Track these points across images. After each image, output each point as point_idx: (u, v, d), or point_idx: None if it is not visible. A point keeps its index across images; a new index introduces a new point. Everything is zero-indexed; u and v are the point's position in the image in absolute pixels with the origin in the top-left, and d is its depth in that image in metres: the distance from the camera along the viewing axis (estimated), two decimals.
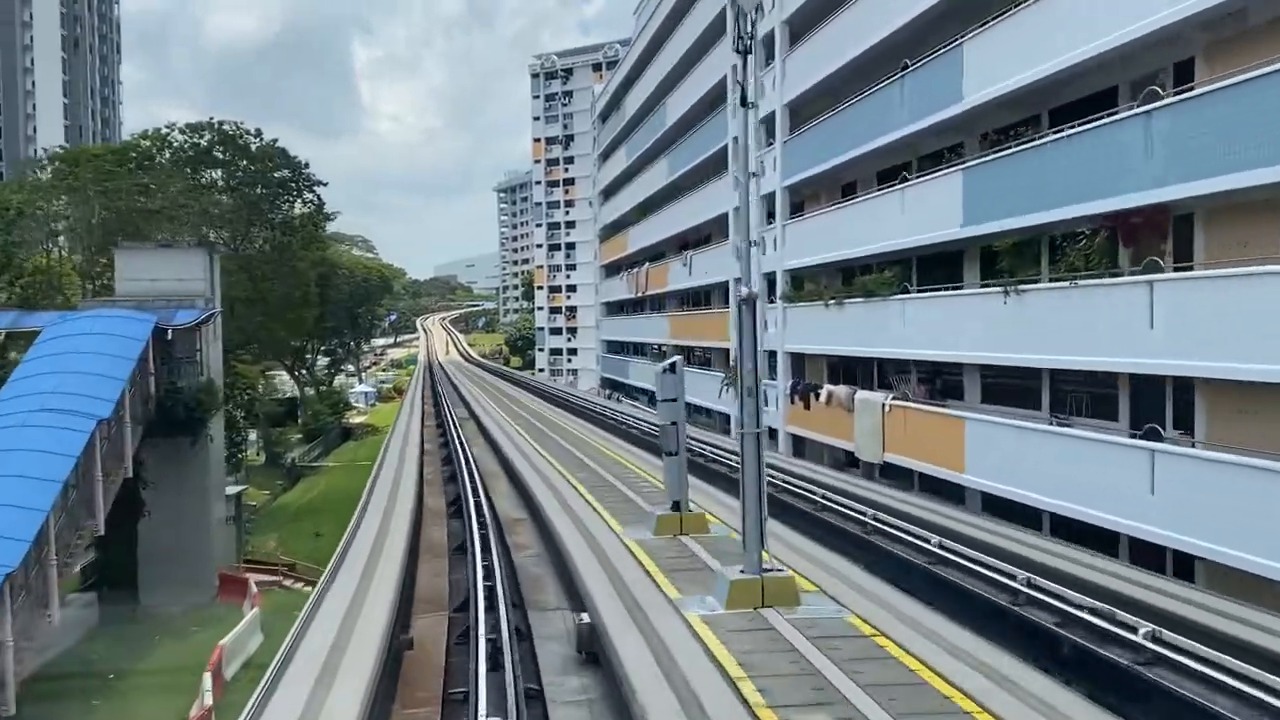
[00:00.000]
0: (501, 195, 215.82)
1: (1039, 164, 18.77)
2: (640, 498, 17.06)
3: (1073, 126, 17.85)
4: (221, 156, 41.61)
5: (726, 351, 40.82)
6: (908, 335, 24.35)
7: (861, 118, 27.08)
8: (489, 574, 11.30)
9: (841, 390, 27.39)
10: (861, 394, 26.34)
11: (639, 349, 61.29)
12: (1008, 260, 19.85)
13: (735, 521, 13.86)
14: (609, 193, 68.22)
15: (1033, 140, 19.19)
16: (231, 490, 32.13)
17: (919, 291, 24.14)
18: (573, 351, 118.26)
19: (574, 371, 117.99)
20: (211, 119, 41.99)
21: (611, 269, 68.70)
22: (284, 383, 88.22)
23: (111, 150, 41.93)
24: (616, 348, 67.66)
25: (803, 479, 20.67)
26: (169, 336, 25.46)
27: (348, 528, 14.25)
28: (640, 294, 54.71)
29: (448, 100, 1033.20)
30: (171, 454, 26.97)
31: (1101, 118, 17.40)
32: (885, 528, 15.96)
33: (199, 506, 28.28)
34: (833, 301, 27.97)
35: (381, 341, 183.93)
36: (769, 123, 33.38)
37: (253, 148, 42.03)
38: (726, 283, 38.84)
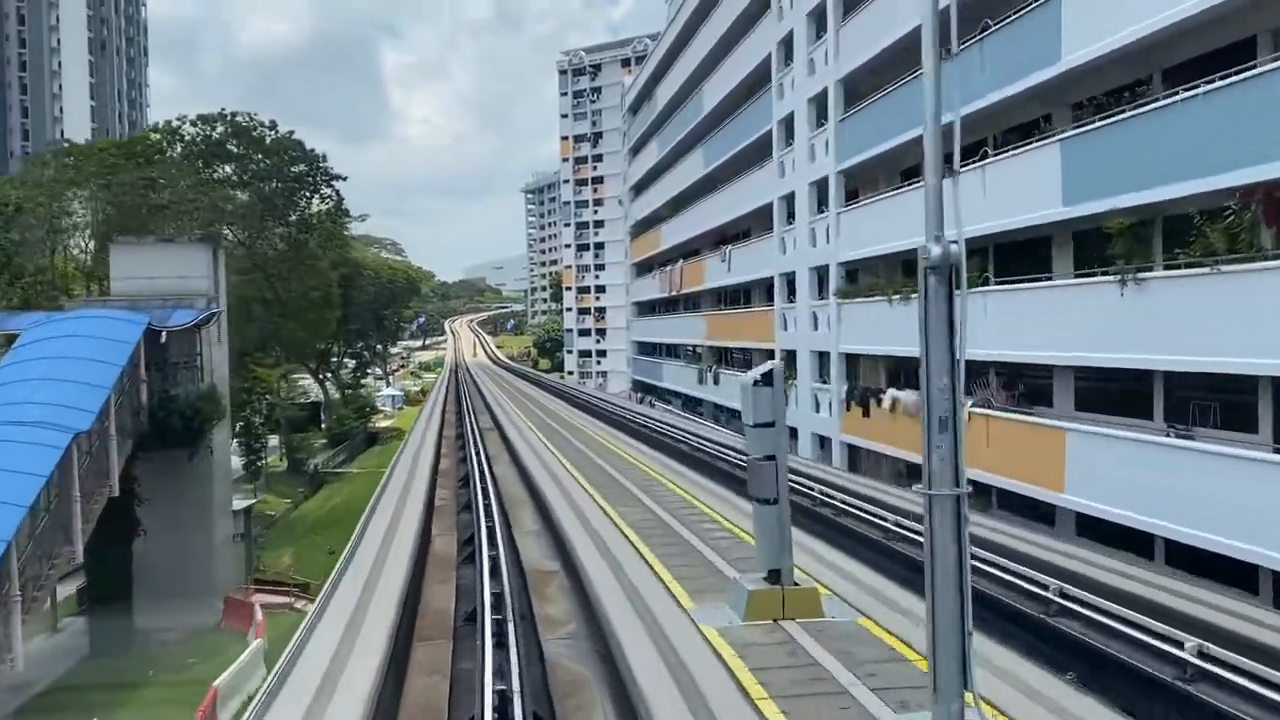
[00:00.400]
0: (529, 196, 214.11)
1: (1163, 129, 15.82)
2: (708, 547, 13.29)
3: (1209, 82, 14.88)
4: (235, 150, 39.43)
5: (770, 352, 37.98)
6: (986, 333, 21.39)
7: (919, 93, 24.18)
8: (502, 674, 7.98)
9: (908, 396, 24.47)
10: None
11: (672, 350, 58.55)
12: (1122, 244, 16.85)
13: (846, 588, 11.01)
14: (640, 188, 65.57)
15: (1154, 102, 16.23)
16: (240, 505, 29.79)
17: (1001, 283, 21.16)
18: (602, 353, 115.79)
19: (603, 374, 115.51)
20: (223, 110, 39.91)
21: (643, 268, 66.03)
22: (310, 387, 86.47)
23: (118, 144, 39.92)
24: (648, 349, 64.97)
25: (866, 498, 17.80)
26: (163, 339, 23.11)
27: (308, 615, 10.24)
28: (674, 293, 51.98)
29: (476, 104, 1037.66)
30: (168, 468, 24.67)
31: (1244, 70, 14.45)
32: (988, 567, 13.11)
33: (200, 524, 25.96)
34: (897, 296, 25.06)
35: (409, 344, 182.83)
36: (820, 102, 30.54)
37: (267, 140, 39.84)
38: (770, 279, 36.03)
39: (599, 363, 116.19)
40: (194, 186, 35.95)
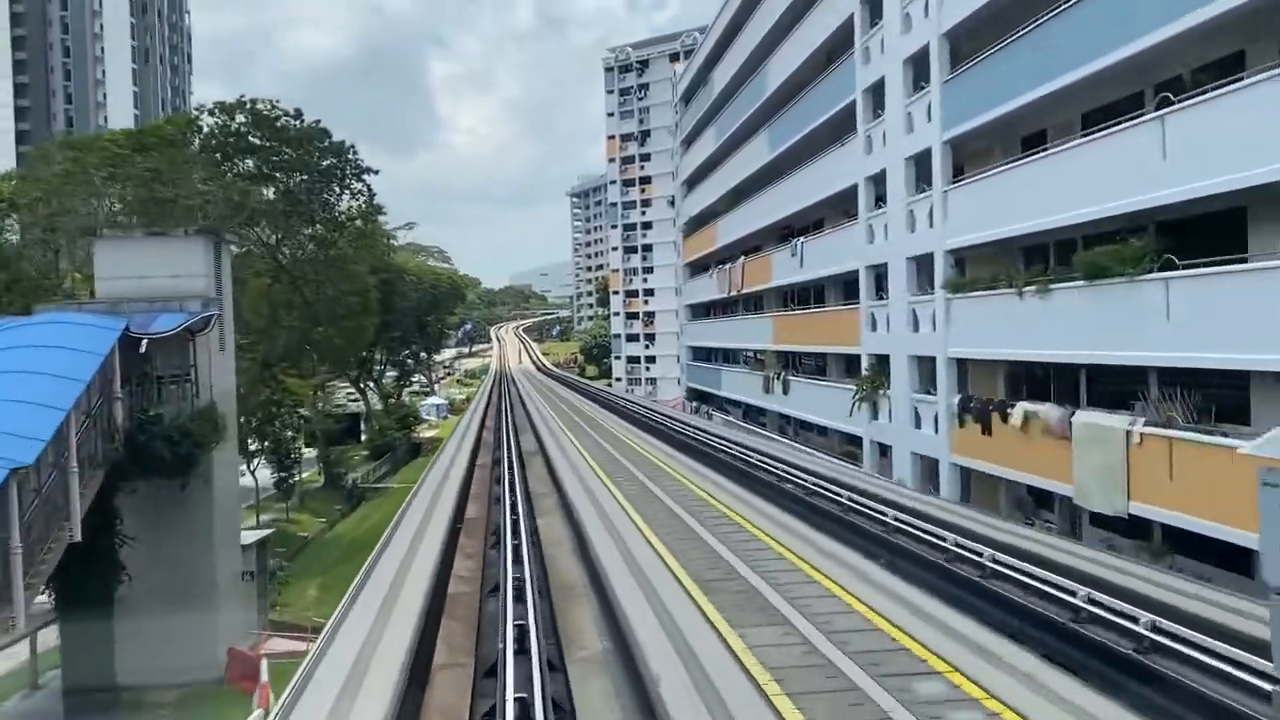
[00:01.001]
0: (574, 200, 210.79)
1: None
2: (869, 677, 8.26)
3: None
4: (256, 142, 35.94)
5: (851, 358, 33.37)
6: (1165, 331, 16.68)
7: (1064, 35, 19.51)
8: None
9: (1049, 411, 19.70)
10: (1087, 416, 18.63)
11: (729, 356, 54.05)
12: None
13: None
14: (693, 183, 61.15)
15: None
16: (251, 538, 26.01)
17: (1194, 266, 16.35)
18: (651, 359, 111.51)
19: (652, 380, 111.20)
20: (242, 97, 36.29)
21: (697, 267, 61.58)
22: (350, 397, 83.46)
23: (128, 134, 36.77)
24: (703, 355, 60.50)
25: (1003, 547, 13.10)
26: (143, 348, 19.27)
27: None
28: (734, 293, 47.45)
29: (521, 111, 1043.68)
30: (157, 502, 20.96)
31: None
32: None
33: (198, 564, 22.19)
34: (1031, 289, 20.33)
35: (454, 352, 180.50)
36: (918, 62, 25.90)
37: (291, 130, 36.29)
38: (852, 273, 31.45)
39: (648, 369, 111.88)
40: (210, 179, 32.48)
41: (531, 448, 29.89)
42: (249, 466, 45.31)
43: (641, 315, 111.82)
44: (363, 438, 75.70)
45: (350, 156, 38.22)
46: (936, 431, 25.14)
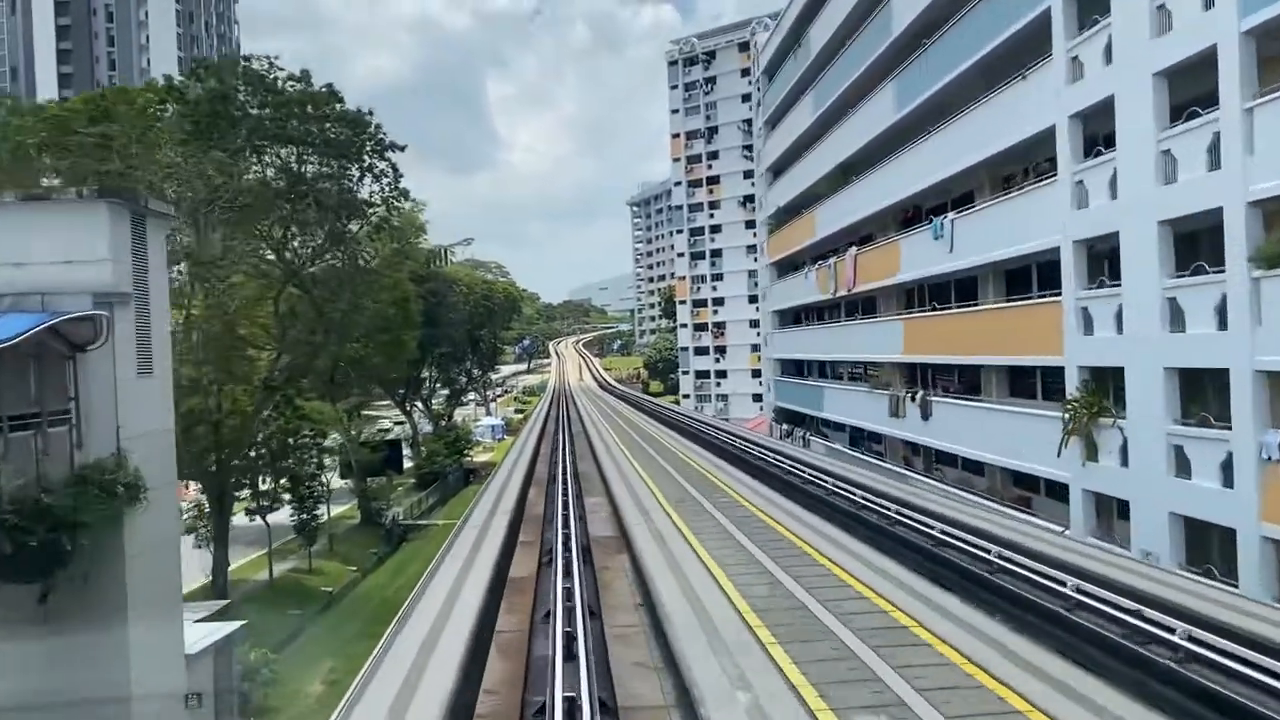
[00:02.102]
0: (635, 209, 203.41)
1: None
2: None
3: None
4: (249, 109, 28.34)
5: (1020, 371, 24.58)
6: None
7: None
8: None
9: None
10: None
11: (827, 369, 45.26)
12: None
13: None
14: (781, 168, 52.58)
15: None
16: (204, 641, 18.24)
17: None
18: (722, 374, 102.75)
19: (723, 397, 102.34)
20: (242, 56, 28.59)
21: (785, 266, 52.94)
22: (397, 420, 76.44)
23: (86, 99, 29.63)
24: (793, 369, 51.79)
25: None
26: None
27: None
28: (844, 292, 38.70)
29: (578, 128, 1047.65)
30: (27, 613, 13.32)
31: None
32: None
33: (98, 702, 14.53)
34: None
35: (511, 369, 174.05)
36: None
37: (294, 94, 28.72)
38: (1029, 258, 22.74)
39: (718, 384, 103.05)
40: (188, 155, 25.07)
41: (596, 498, 21.79)
42: (258, 509, 37.91)
43: (711, 326, 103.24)
44: (408, 464, 68.34)
45: (372, 130, 30.60)
46: (1229, 484, 16.15)
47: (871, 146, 35.42)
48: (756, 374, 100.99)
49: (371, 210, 31.26)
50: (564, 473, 23.66)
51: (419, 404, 78.78)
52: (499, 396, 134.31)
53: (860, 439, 40.42)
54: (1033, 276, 24.56)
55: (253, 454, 35.14)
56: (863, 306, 39.64)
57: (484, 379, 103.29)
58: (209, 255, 25.44)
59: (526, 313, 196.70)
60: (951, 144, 27.96)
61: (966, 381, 29.31)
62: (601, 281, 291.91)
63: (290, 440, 38.72)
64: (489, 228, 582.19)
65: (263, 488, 38.06)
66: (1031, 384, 25.01)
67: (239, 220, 27.71)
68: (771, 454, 28.24)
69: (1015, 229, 23.74)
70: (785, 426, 50.22)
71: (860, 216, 37.20)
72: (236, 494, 35.91)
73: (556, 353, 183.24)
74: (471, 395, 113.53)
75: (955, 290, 29.98)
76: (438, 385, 79.97)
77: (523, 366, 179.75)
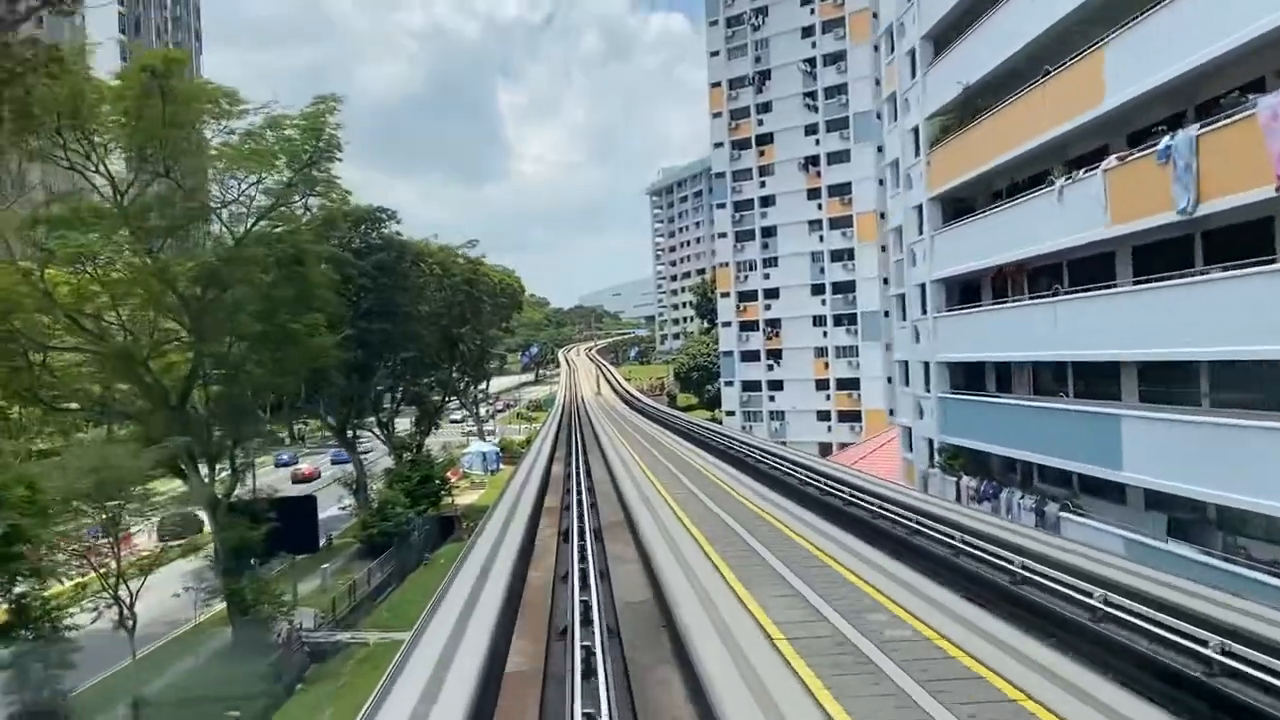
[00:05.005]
0: (654, 199, 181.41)
1: None
2: None
3: None
4: None
5: None
6: None
7: None
8: None
9: None
10: None
11: (1038, 382, 23.20)
12: None
13: None
14: (959, 25, 30.49)
15: None
16: None
17: None
18: (776, 385, 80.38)
19: (779, 414, 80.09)
20: None
21: (954, 204, 30.84)
22: (264, 476, 54.24)
23: None
24: (976, 376, 29.74)
25: None
26: None
27: None
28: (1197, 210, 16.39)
29: (589, 136, 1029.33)
30: None
31: None
32: None
33: None
34: None
35: (517, 379, 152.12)
36: None
37: None
38: None
39: (772, 399, 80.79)
40: None
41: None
42: None
43: (762, 325, 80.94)
44: (345, 524, 46.22)
45: None
46: None
47: None
48: (822, 385, 78.85)
49: None
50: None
51: (376, 430, 56.75)
52: (499, 412, 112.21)
53: (1193, 525, 18.42)
54: None
55: None
56: (1145, 262, 17.71)
57: (473, 393, 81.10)
58: None
59: (534, 316, 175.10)
60: None
61: None
62: (614, 287, 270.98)
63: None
64: (501, 237, 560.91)
65: None
66: None
67: None
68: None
69: None
70: (974, 484, 27.89)
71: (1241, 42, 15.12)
72: None
73: (567, 360, 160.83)
74: (460, 413, 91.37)
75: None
76: (400, 403, 57.62)
77: (529, 377, 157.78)
